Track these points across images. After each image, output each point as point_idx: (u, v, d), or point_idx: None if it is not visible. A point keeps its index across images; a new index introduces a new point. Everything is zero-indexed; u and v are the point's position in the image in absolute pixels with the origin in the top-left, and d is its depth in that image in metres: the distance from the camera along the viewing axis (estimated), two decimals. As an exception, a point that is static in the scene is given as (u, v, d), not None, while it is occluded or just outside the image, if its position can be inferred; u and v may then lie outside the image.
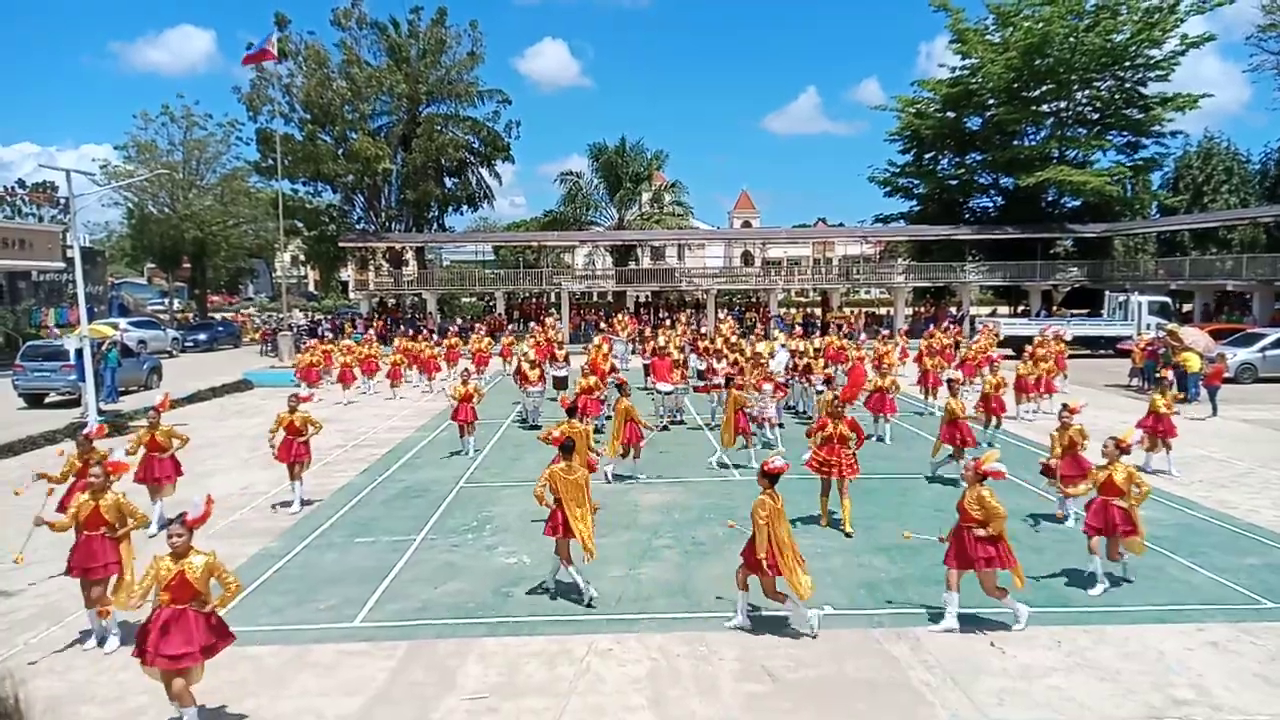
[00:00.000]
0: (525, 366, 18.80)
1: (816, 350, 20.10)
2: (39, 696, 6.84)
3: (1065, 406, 11.16)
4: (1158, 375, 15.33)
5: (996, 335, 27.77)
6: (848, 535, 10.59)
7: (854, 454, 10.98)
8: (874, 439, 15.83)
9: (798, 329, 31.34)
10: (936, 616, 7.84)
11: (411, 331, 33.80)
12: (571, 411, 12.18)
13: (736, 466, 14.24)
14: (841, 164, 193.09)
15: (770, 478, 7.66)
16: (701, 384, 19.53)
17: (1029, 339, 23.88)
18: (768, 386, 15.42)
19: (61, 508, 8.68)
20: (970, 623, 7.84)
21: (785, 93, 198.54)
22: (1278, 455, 15.21)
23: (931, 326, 30.72)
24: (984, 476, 7.73)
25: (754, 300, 50.03)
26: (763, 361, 18.20)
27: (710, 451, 15.34)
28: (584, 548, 8.43)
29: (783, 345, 21.70)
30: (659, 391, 18.55)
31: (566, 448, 8.72)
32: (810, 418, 18.41)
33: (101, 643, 7.65)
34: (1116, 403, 18.83)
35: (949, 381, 13.99)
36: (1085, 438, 10.83)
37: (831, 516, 11.10)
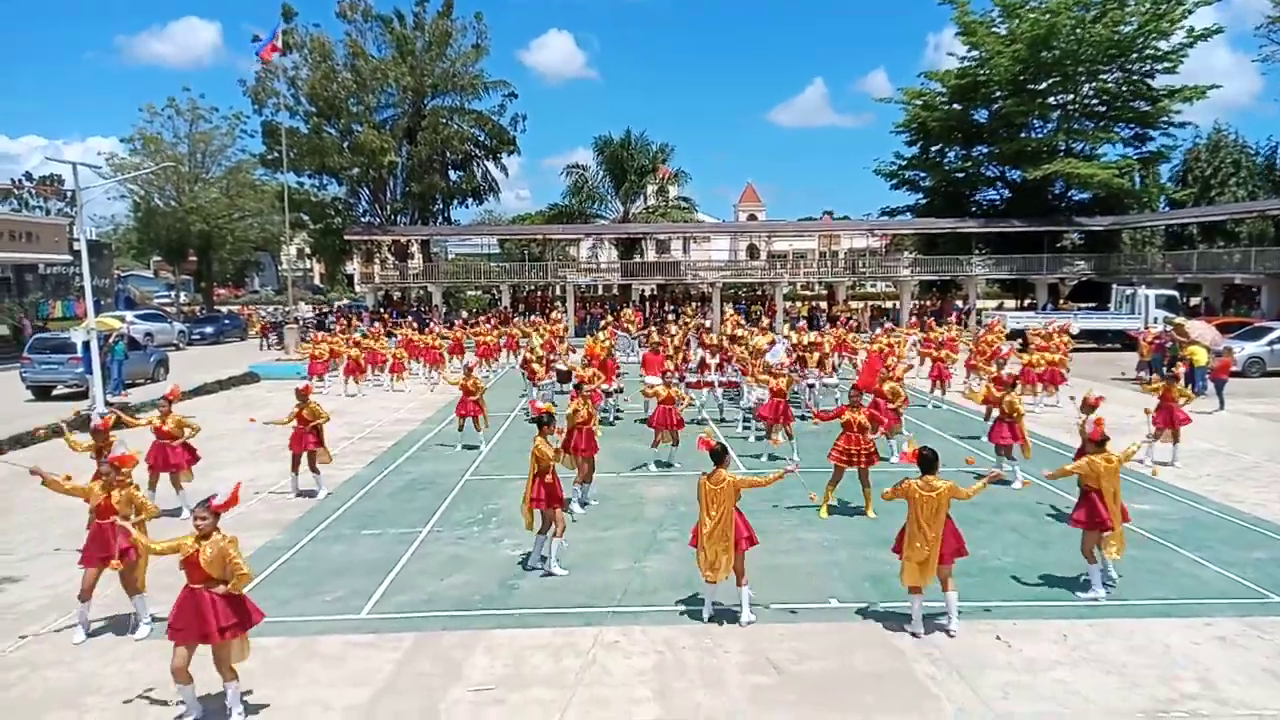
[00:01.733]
0: (533, 361, 18.83)
1: (809, 345, 20.07)
2: (49, 687, 6.90)
3: (1085, 401, 11.00)
4: (1170, 373, 15.21)
5: (1004, 329, 27.65)
6: (872, 518, 10.94)
7: (873, 443, 11.34)
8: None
9: (801, 324, 31.31)
10: (939, 613, 7.79)
11: (416, 324, 33.85)
12: (578, 387, 12.33)
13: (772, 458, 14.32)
14: (848, 157, 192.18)
15: (711, 455, 7.90)
16: (694, 379, 19.48)
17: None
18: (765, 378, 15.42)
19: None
20: (976, 616, 7.85)
21: (792, 85, 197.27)
22: (1285, 449, 15.16)
23: (930, 319, 30.64)
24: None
25: (759, 294, 49.96)
26: (763, 354, 18.22)
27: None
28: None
29: (783, 338, 21.66)
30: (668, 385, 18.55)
31: (540, 420, 9.34)
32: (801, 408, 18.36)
33: (134, 629, 7.78)
34: (1123, 396, 18.77)
35: (1004, 380, 13.60)
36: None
37: (834, 505, 11.32)
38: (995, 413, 13.02)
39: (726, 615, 7.95)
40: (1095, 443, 8.66)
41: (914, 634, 7.53)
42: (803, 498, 11.80)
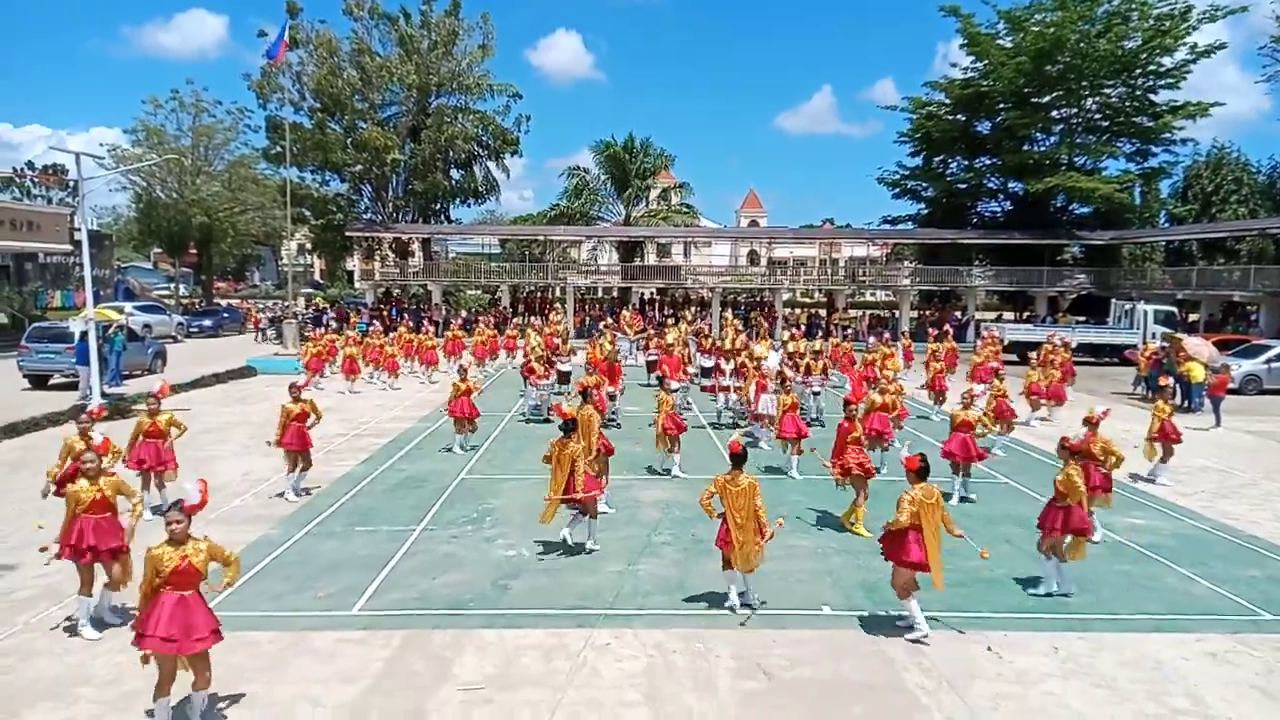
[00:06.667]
0: (534, 361, 18.84)
1: (816, 352, 20.06)
2: (37, 677, 6.88)
3: (1086, 420, 11.00)
4: (1159, 384, 15.24)
5: (1000, 342, 27.63)
6: (851, 530, 10.86)
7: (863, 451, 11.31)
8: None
9: (797, 330, 31.31)
10: (929, 620, 7.79)
11: (413, 324, 33.85)
12: (585, 395, 12.23)
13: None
14: (851, 165, 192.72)
15: (733, 458, 8.11)
16: (709, 383, 19.51)
17: (1032, 345, 23.79)
18: (771, 385, 15.44)
19: (59, 489, 8.68)
20: (967, 627, 7.85)
21: (799, 91, 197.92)
22: (1280, 467, 15.17)
23: (933, 330, 30.68)
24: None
25: (759, 300, 49.98)
26: (760, 361, 18.23)
27: (711, 450, 15.39)
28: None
29: (779, 345, 21.70)
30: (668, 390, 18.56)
31: (567, 426, 9.92)
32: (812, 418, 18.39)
33: (97, 626, 7.64)
34: (1121, 411, 18.77)
35: (965, 394, 13.62)
36: (1109, 454, 10.76)
37: (831, 513, 11.29)
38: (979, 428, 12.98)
39: (717, 621, 7.95)
40: (1074, 453, 8.97)
41: (917, 639, 7.58)
42: (792, 508, 11.80)
